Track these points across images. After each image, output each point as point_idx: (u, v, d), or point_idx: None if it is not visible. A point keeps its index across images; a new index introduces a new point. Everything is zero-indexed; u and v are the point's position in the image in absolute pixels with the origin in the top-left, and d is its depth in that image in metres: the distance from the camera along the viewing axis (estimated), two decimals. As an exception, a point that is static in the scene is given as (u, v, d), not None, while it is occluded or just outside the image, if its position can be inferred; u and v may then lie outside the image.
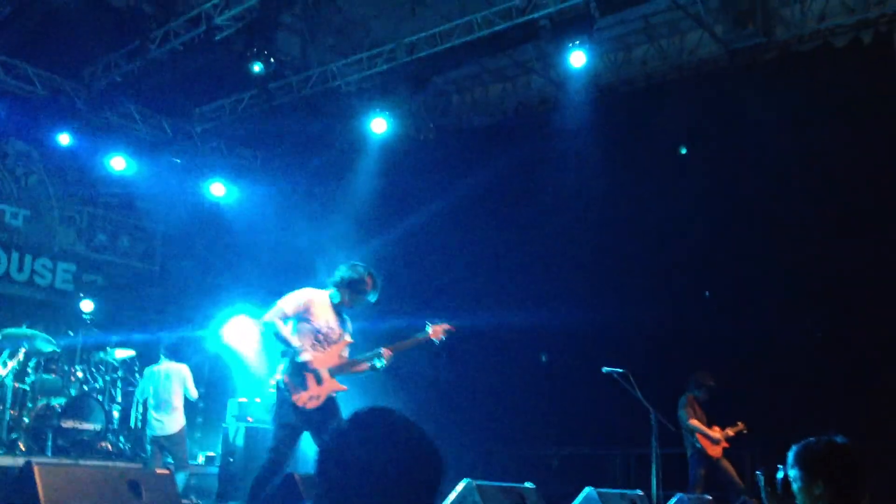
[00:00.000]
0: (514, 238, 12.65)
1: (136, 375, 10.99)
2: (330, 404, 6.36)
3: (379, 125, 12.73)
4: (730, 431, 9.60)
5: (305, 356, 6.25)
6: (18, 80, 12.22)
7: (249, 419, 10.42)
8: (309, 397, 6.23)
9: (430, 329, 6.63)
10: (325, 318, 6.42)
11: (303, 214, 13.78)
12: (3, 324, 10.56)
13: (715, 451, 9.52)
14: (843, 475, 3.40)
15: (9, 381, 9.75)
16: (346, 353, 6.57)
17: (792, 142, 10.39)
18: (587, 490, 7.58)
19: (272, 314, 6.30)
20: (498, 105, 13.64)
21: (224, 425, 10.67)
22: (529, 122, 12.93)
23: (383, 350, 6.47)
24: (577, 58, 11.16)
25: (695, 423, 9.54)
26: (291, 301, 6.35)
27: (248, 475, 10.04)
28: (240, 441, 10.24)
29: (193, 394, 10.31)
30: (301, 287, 6.53)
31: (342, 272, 6.50)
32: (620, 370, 7.90)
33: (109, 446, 10.26)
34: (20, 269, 12.80)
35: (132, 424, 10.70)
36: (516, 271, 12.28)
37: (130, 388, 11.00)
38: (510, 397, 11.65)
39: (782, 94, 10.51)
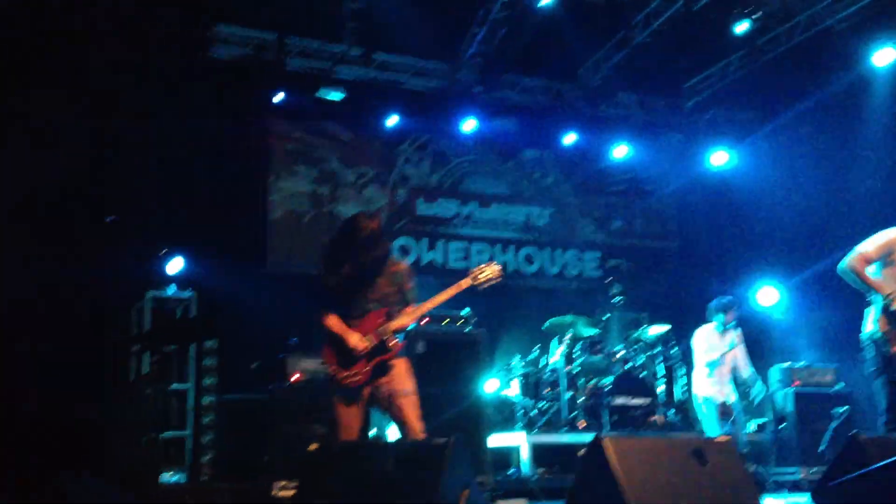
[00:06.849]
0: None
1: (674, 349, 11.26)
2: None
3: (883, 57, 11.58)
4: None
5: None
6: (522, 94, 13.46)
7: (797, 382, 10.10)
8: None
9: None
10: None
11: (810, 169, 13.01)
12: (545, 314, 11.55)
13: None
14: None
15: (560, 366, 10.69)
16: None
17: None
18: None
19: (851, 259, 5.88)
20: None
21: (770, 391, 10.49)
22: None
23: None
24: None
25: None
26: (872, 243, 5.90)
27: (801, 440, 9.81)
28: (789, 406, 10.03)
29: (743, 371, 9.77)
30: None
31: None
32: None
33: (661, 419, 10.64)
34: (552, 264, 14.15)
35: (677, 397, 11.01)
36: None
37: (669, 363, 11.31)
38: None
39: None
